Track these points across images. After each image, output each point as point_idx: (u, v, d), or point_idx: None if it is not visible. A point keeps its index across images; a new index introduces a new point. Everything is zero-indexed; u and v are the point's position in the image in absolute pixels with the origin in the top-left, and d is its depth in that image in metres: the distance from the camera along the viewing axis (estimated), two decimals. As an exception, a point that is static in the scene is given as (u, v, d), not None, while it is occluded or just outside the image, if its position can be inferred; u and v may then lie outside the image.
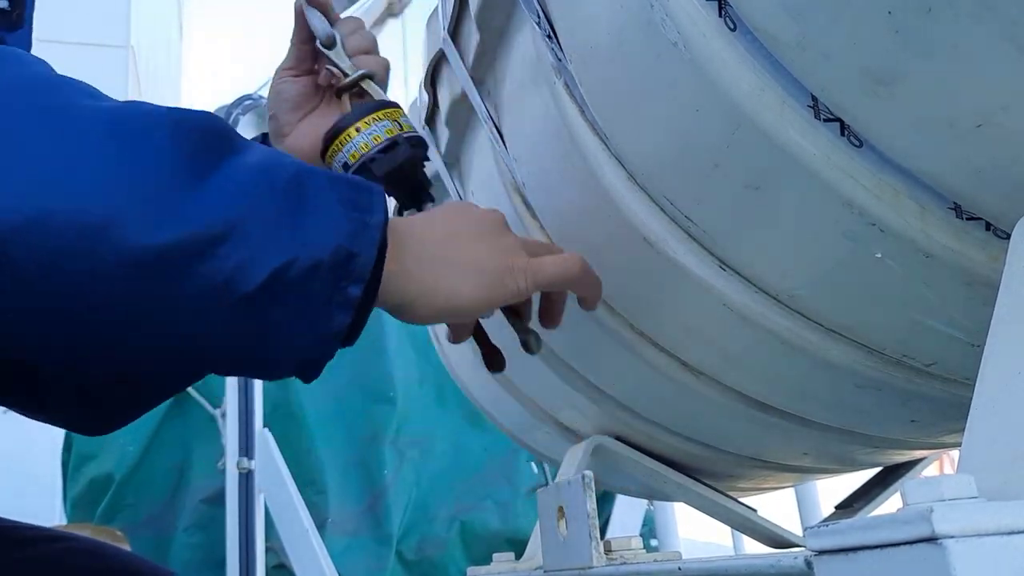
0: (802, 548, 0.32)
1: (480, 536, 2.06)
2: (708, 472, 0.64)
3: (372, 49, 0.54)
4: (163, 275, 0.30)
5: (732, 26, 0.31)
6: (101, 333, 0.31)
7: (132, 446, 1.92)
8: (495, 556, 0.64)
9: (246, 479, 1.66)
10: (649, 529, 1.95)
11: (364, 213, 0.35)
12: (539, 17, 0.42)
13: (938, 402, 0.42)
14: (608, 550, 0.46)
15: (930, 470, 0.67)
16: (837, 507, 0.69)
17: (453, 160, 0.62)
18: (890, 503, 0.67)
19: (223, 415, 1.77)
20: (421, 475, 1.96)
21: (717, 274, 0.40)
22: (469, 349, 0.71)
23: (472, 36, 0.51)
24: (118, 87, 3.54)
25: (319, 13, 0.52)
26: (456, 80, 0.55)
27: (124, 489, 1.94)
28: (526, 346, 0.45)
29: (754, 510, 0.66)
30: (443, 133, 0.60)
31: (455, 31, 0.53)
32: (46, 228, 0.29)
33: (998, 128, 0.27)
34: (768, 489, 0.72)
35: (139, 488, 1.94)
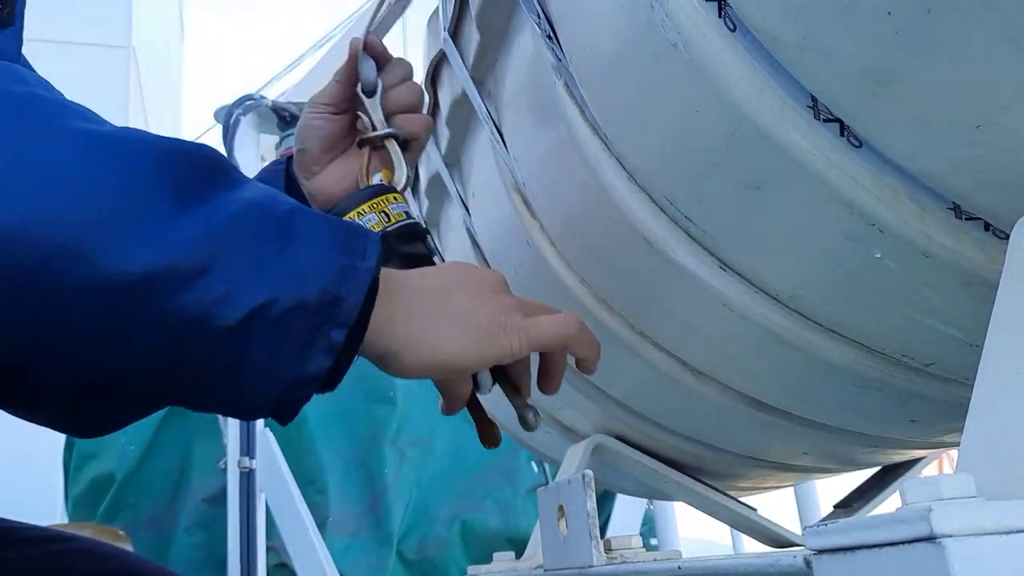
0: (801, 547, 0.32)
1: (480, 535, 2.06)
2: (708, 471, 0.64)
3: (416, 106, 0.52)
4: (136, 302, 0.30)
5: (732, 26, 0.31)
6: (72, 350, 0.31)
7: (133, 445, 1.92)
8: (495, 555, 0.64)
9: (247, 478, 1.66)
10: (649, 528, 1.95)
11: (355, 257, 0.34)
12: (539, 17, 0.42)
13: (937, 402, 0.42)
14: (608, 549, 0.46)
15: (929, 470, 0.68)
16: (836, 506, 0.69)
17: (454, 160, 0.62)
18: (889, 502, 0.67)
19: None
20: (422, 475, 1.96)
21: (717, 274, 0.40)
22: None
23: (473, 36, 0.51)
24: (119, 87, 3.54)
25: (372, 62, 0.50)
26: (456, 80, 0.55)
27: (125, 488, 1.94)
28: (523, 422, 0.43)
29: (754, 509, 0.66)
30: (444, 133, 0.60)
31: (456, 31, 0.53)
32: (21, 243, 0.28)
33: (997, 128, 0.27)
34: (768, 488, 0.72)
35: (140, 487, 1.94)
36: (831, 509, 0.70)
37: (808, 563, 0.25)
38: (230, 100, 1.91)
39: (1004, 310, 0.28)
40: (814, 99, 0.30)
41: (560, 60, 0.41)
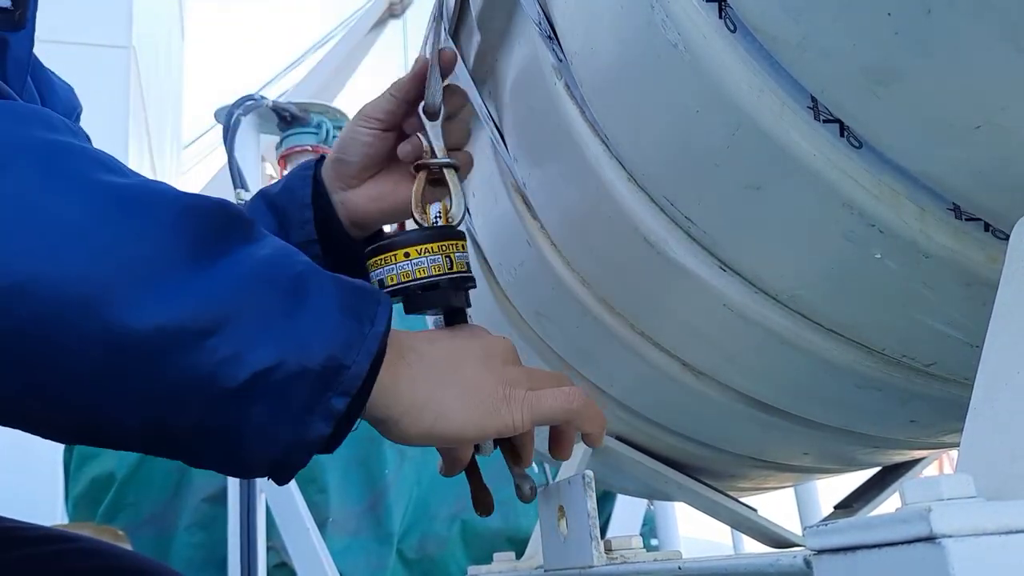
0: (802, 547, 0.32)
1: (481, 535, 2.06)
2: (708, 472, 0.64)
3: (464, 142, 0.51)
4: (142, 359, 0.30)
5: (732, 27, 0.31)
6: (73, 399, 0.31)
7: (133, 445, 1.92)
8: (496, 555, 0.64)
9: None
10: (649, 528, 1.95)
11: (364, 324, 0.33)
12: (540, 18, 0.42)
13: (937, 402, 0.42)
14: (608, 549, 0.46)
15: (929, 470, 0.68)
16: (836, 507, 0.69)
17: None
18: (889, 503, 0.67)
19: (224, 414, 1.77)
20: (422, 474, 1.96)
21: (717, 274, 0.40)
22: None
23: (473, 37, 0.51)
24: (119, 88, 3.54)
25: (440, 78, 0.48)
26: (457, 81, 0.55)
27: (126, 488, 1.94)
28: (519, 492, 0.43)
29: (754, 509, 0.66)
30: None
31: (456, 32, 0.53)
32: (36, 292, 0.28)
33: (997, 129, 0.27)
34: (768, 489, 0.72)
35: (140, 487, 1.94)
36: (831, 509, 0.70)
37: (808, 563, 0.25)
38: (230, 100, 1.91)
39: (1004, 310, 0.28)
40: (814, 100, 0.30)
41: (560, 61, 0.41)
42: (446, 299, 0.43)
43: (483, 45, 0.50)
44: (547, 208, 0.50)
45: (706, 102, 0.33)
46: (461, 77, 0.53)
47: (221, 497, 1.76)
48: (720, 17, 0.31)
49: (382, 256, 0.43)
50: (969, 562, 0.20)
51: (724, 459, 0.60)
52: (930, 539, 0.21)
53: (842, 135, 0.31)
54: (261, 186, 2.15)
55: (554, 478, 0.57)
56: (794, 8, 0.28)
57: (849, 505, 0.67)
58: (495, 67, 0.52)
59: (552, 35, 0.42)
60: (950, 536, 0.20)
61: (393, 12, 3.30)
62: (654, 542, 1.87)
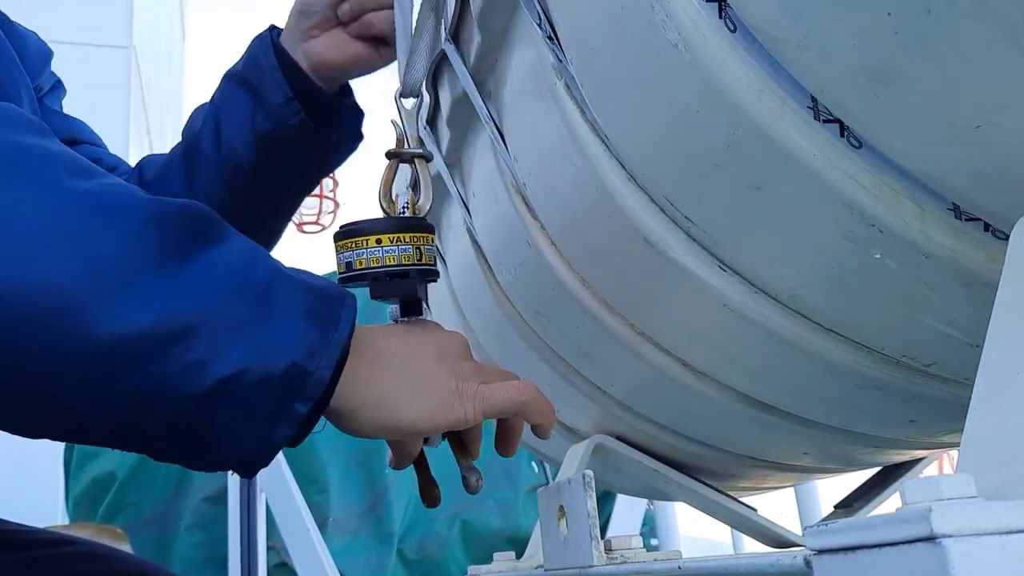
0: (802, 547, 0.32)
1: (481, 535, 2.06)
2: (708, 471, 0.64)
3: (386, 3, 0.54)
4: (107, 367, 0.30)
5: (732, 27, 0.31)
6: (36, 404, 0.31)
7: (134, 445, 1.92)
8: (496, 555, 0.64)
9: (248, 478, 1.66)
10: (649, 528, 1.95)
11: (328, 330, 0.34)
12: (540, 18, 0.42)
13: (937, 402, 0.42)
14: (608, 549, 0.46)
15: (929, 470, 0.68)
16: (836, 506, 0.69)
17: (454, 160, 0.62)
18: (889, 503, 0.67)
19: (224, 414, 1.76)
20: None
21: (717, 274, 0.40)
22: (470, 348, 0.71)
23: (473, 37, 0.51)
24: (120, 88, 3.54)
25: (422, 64, 0.48)
26: (457, 81, 0.55)
27: (126, 488, 1.95)
28: (466, 483, 0.44)
29: (754, 509, 0.66)
30: (444, 134, 0.60)
31: (456, 32, 0.53)
32: None
33: (997, 129, 0.27)
34: (768, 488, 0.72)
35: (141, 487, 1.94)
36: (831, 509, 0.70)
37: (808, 563, 0.25)
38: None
39: (1004, 310, 0.28)
40: (814, 99, 0.30)
41: (560, 61, 0.41)
42: (412, 289, 0.44)
43: (483, 45, 0.50)
44: (547, 208, 0.50)
45: (706, 102, 0.33)
46: (461, 77, 0.53)
47: (221, 497, 1.76)
48: (720, 17, 0.31)
49: (352, 239, 0.43)
50: (969, 562, 0.20)
51: (724, 459, 0.60)
52: (930, 539, 0.21)
53: (842, 135, 0.31)
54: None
55: (554, 478, 0.57)
56: (794, 8, 0.28)
57: (849, 505, 0.67)
58: (495, 67, 0.52)
59: (552, 35, 0.42)
60: (950, 536, 0.20)
61: (393, 12, 3.29)
62: (654, 542, 1.87)
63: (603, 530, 0.75)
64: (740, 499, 0.66)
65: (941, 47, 0.26)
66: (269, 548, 1.73)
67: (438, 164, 0.62)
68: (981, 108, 0.27)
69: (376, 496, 1.95)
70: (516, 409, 0.41)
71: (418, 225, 0.44)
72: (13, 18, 0.61)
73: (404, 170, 0.49)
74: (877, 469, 0.67)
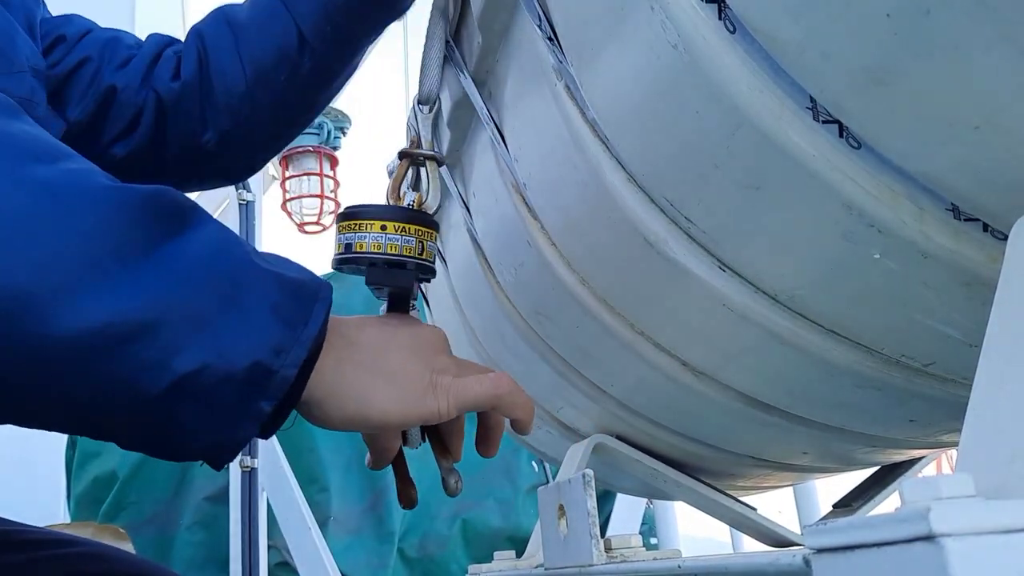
0: (801, 546, 0.32)
1: (481, 534, 2.06)
2: (708, 471, 0.64)
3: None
4: (63, 367, 0.29)
5: (732, 28, 0.31)
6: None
7: (135, 444, 1.92)
8: (496, 554, 0.64)
9: (249, 477, 1.67)
10: (649, 527, 1.95)
11: (297, 327, 0.32)
12: (540, 19, 0.42)
13: (936, 401, 0.42)
14: (608, 548, 0.46)
15: (928, 469, 0.68)
16: (835, 506, 0.69)
17: (455, 161, 0.62)
18: (888, 502, 0.67)
19: (225, 414, 1.77)
20: (423, 473, 1.96)
21: (717, 274, 0.40)
22: (470, 348, 0.71)
23: (474, 37, 0.51)
24: (120, 87, 3.54)
25: (437, 69, 0.48)
26: (457, 81, 0.55)
27: (127, 487, 1.95)
28: (445, 485, 0.43)
29: (753, 508, 0.66)
30: (445, 134, 0.60)
31: (457, 32, 0.53)
32: None
33: (996, 129, 0.27)
34: (767, 488, 0.72)
35: (142, 486, 1.95)
36: (830, 508, 0.70)
37: (807, 562, 0.25)
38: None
39: (1003, 310, 0.28)
40: (813, 100, 0.30)
41: (561, 61, 0.42)
42: (408, 282, 0.43)
43: (483, 45, 0.50)
44: (547, 208, 0.50)
45: (705, 103, 0.33)
46: (462, 78, 0.53)
47: (223, 496, 1.76)
48: (720, 18, 0.31)
49: (356, 221, 0.42)
50: (968, 561, 0.20)
51: (723, 458, 0.60)
52: (929, 538, 0.21)
53: (841, 135, 0.31)
54: (262, 186, 2.14)
55: (554, 477, 0.57)
56: (794, 9, 0.28)
57: (848, 504, 0.67)
58: (495, 67, 0.52)
59: (552, 36, 0.42)
60: (949, 535, 0.21)
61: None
62: (654, 541, 1.87)
63: (603, 529, 0.75)
64: (739, 498, 0.66)
65: (940, 48, 0.26)
66: (270, 547, 1.73)
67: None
68: (980, 108, 0.27)
69: (377, 495, 1.95)
70: (492, 403, 0.40)
71: (425, 220, 0.44)
72: None
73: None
74: (876, 468, 0.67)
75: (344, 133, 2.56)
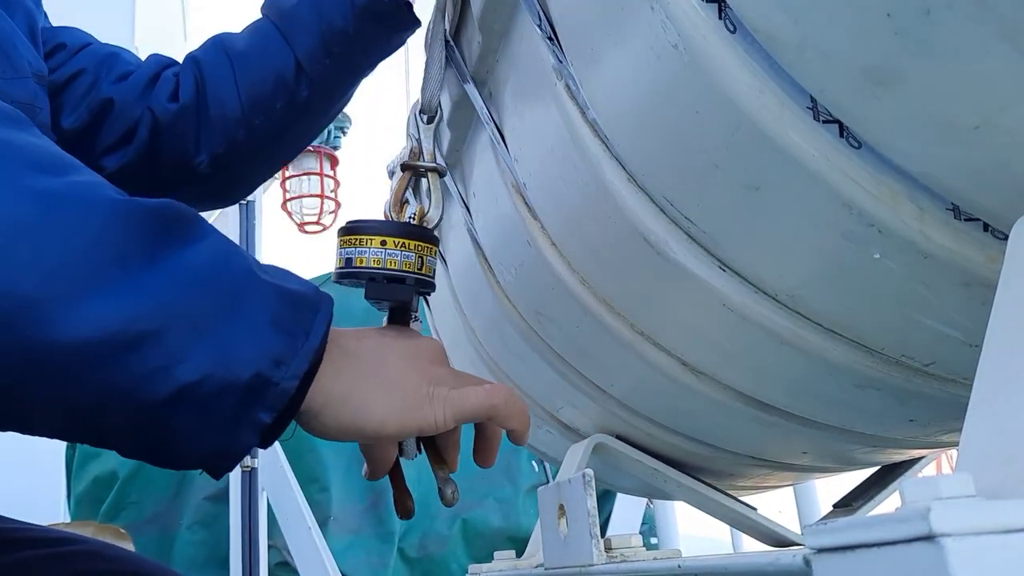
0: (801, 546, 0.32)
1: (482, 534, 2.06)
2: (708, 471, 0.64)
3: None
4: (64, 373, 0.29)
5: (732, 28, 0.31)
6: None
7: (135, 444, 1.92)
8: (496, 554, 0.64)
9: (249, 477, 1.67)
10: (649, 527, 1.96)
11: (298, 338, 0.33)
12: (540, 19, 0.42)
13: (936, 401, 0.42)
14: (608, 548, 0.46)
15: (928, 469, 0.68)
16: (835, 505, 0.69)
17: (455, 161, 0.62)
18: (889, 502, 0.67)
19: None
20: (423, 473, 1.97)
21: (717, 274, 0.40)
22: (471, 348, 0.71)
23: (474, 37, 0.51)
24: (120, 86, 3.53)
25: (439, 80, 0.48)
26: (458, 82, 0.55)
27: (128, 486, 1.95)
28: (441, 495, 0.43)
29: (754, 508, 0.66)
30: (445, 134, 0.60)
31: (457, 32, 0.53)
32: None
33: (996, 129, 0.27)
34: (768, 488, 0.72)
35: (143, 485, 1.95)
36: (830, 508, 0.70)
37: (807, 562, 0.25)
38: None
39: (1004, 310, 0.28)
40: (814, 100, 0.30)
41: (561, 62, 0.42)
42: (407, 296, 0.44)
43: (483, 45, 0.50)
44: (547, 208, 0.50)
45: (706, 102, 0.33)
46: (462, 78, 0.53)
47: (223, 496, 1.77)
48: (720, 18, 0.31)
49: (357, 236, 0.43)
50: (968, 561, 0.20)
51: (724, 458, 0.60)
52: (929, 538, 0.21)
53: (841, 135, 0.31)
54: (262, 186, 2.15)
55: (554, 477, 0.57)
56: (794, 9, 0.28)
57: (848, 504, 0.67)
58: (495, 67, 0.52)
59: (552, 36, 0.42)
60: (949, 535, 0.21)
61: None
62: (654, 540, 1.87)
63: (603, 529, 0.75)
64: (740, 498, 0.66)
65: (940, 48, 0.26)
66: (270, 547, 1.73)
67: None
68: (980, 109, 0.27)
69: (377, 495, 1.95)
70: (488, 413, 0.40)
71: (424, 235, 0.44)
72: None
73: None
74: (876, 468, 0.67)
75: (344, 133, 2.56)
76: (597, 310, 0.50)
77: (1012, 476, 0.25)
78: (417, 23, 0.63)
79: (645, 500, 1.83)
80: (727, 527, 1.01)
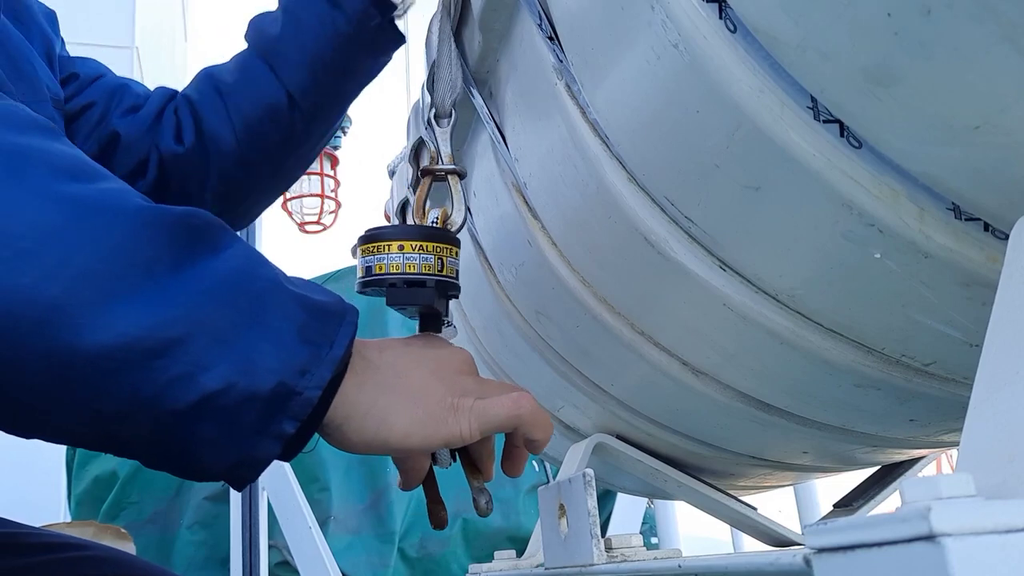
0: (801, 546, 0.32)
1: (482, 534, 2.06)
2: (708, 470, 0.64)
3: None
4: (89, 379, 0.29)
5: (732, 28, 0.31)
6: (18, 410, 0.31)
7: (135, 444, 1.93)
8: (497, 553, 0.64)
9: (249, 477, 1.67)
10: (649, 527, 1.96)
11: (322, 347, 0.33)
12: (540, 19, 0.42)
13: (937, 401, 0.42)
14: (609, 548, 0.46)
15: (928, 469, 0.68)
16: (836, 505, 0.69)
17: (455, 160, 0.62)
18: (889, 502, 0.67)
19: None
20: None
21: (717, 274, 0.40)
22: (471, 347, 0.71)
23: (474, 37, 0.51)
24: (121, 87, 3.54)
25: (451, 82, 0.48)
26: (459, 81, 0.55)
27: (128, 486, 1.95)
28: (476, 506, 0.43)
29: (754, 508, 0.67)
30: (445, 133, 0.60)
31: (457, 32, 0.53)
32: None
33: (996, 129, 0.27)
34: (768, 487, 0.72)
35: (143, 485, 1.95)
36: (831, 508, 0.70)
37: (808, 562, 0.25)
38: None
39: (1004, 310, 0.28)
40: (814, 100, 0.30)
41: (561, 61, 0.42)
42: (430, 299, 0.43)
43: (484, 45, 0.50)
44: (548, 208, 0.50)
45: (706, 102, 0.33)
46: (462, 77, 0.53)
47: (223, 495, 1.77)
48: (720, 18, 0.31)
49: (375, 244, 0.43)
50: (968, 561, 0.20)
51: (724, 458, 0.60)
52: (930, 538, 0.21)
53: (842, 135, 0.31)
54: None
55: (555, 477, 0.57)
56: (794, 9, 0.28)
57: (849, 504, 0.67)
58: (495, 67, 0.52)
59: (552, 36, 0.42)
60: (950, 535, 0.21)
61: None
62: (654, 540, 1.87)
63: (603, 528, 0.75)
64: (740, 498, 0.66)
65: (940, 48, 0.26)
66: (271, 546, 1.73)
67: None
68: (980, 109, 0.27)
69: (377, 494, 1.95)
70: (514, 424, 0.40)
71: (443, 236, 0.44)
72: None
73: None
74: (876, 468, 0.67)
75: (344, 133, 2.56)
76: (597, 310, 0.50)
77: (1012, 476, 0.25)
78: (402, 39, 0.64)
79: (645, 500, 1.83)
80: (727, 527, 1.01)
